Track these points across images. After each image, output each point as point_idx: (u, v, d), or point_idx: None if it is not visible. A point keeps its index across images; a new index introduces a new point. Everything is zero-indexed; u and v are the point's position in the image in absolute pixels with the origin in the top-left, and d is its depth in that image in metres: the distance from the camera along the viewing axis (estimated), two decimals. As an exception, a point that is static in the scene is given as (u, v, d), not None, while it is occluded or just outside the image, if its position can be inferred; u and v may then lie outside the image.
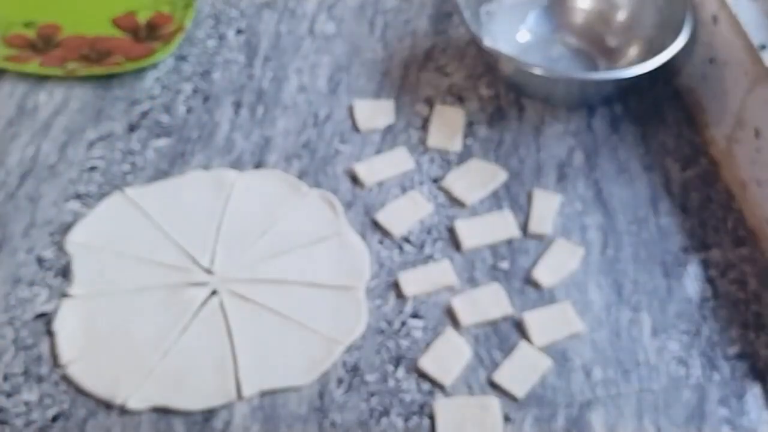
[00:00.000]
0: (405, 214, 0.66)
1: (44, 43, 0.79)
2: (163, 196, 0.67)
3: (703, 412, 0.56)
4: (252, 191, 0.67)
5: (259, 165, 0.70)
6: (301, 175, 0.69)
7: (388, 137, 0.72)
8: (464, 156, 0.70)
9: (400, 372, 0.57)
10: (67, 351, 0.58)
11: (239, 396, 0.56)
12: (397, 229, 0.65)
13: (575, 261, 0.63)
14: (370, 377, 0.57)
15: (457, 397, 0.56)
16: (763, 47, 0.62)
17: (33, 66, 0.76)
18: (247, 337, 0.59)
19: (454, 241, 0.64)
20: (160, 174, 0.69)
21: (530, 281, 0.62)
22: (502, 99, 0.75)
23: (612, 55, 0.76)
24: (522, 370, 0.57)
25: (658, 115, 0.74)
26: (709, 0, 0.69)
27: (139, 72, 0.76)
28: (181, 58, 0.78)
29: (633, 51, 0.75)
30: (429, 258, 0.63)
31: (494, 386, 0.56)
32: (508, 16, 0.78)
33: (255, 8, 0.84)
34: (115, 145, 0.71)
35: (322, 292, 0.61)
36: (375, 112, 0.73)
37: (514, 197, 0.67)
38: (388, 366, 0.58)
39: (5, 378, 0.57)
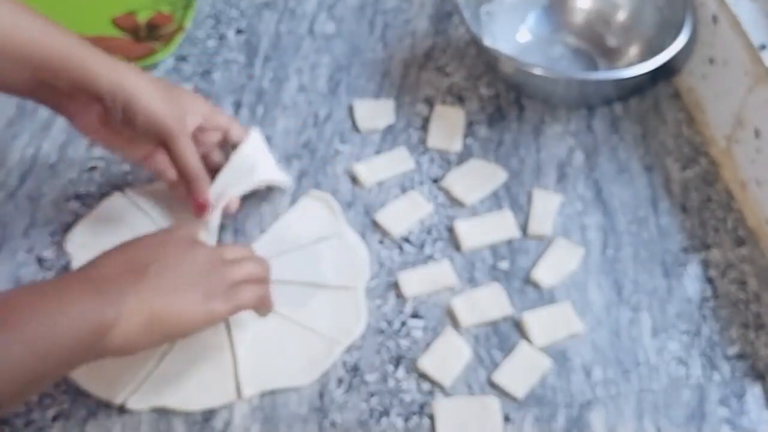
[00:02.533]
0: (405, 214, 0.66)
1: (44, 43, 0.79)
2: (163, 197, 0.67)
3: (703, 412, 0.56)
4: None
5: (259, 165, 0.70)
6: (301, 175, 0.69)
7: (388, 137, 0.72)
8: (464, 156, 0.70)
9: (400, 372, 0.57)
10: (67, 351, 0.58)
11: (239, 396, 0.56)
12: (397, 229, 0.65)
13: (575, 261, 0.63)
14: (370, 377, 0.57)
15: (457, 397, 0.56)
16: (763, 47, 0.62)
17: (33, 66, 0.76)
18: (247, 338, 0.59)
19: (454, 241, 0.64)
20: (160, 174, 0.69)
21: (530, 281, 0.62)
22: (502, 99, 0.75)
23: (612, 55, 0.76)
24: (522, 370, 0.57)
25: (658, 115, 0.74)
26: (709, 0, 0.69)
27: (139, 72, 0.76)
28: (181, 58, 0.78)
29: (633, 51, 0.75)
30: (429, 258, 0.63)
31: (494, 386, 0.56)
32: (508, 16, 0.78)
33: (255, 8, 0.84)
34: (115, 145, 0.71)
35: (322, 292, 0.61)
36: (375, 112, 0.73)
37: (514, 197, 0.67)
38: (388, 366, 0.58)
39: (5, 378, 0.57)
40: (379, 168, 0.69)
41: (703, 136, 0.72)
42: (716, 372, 0.57)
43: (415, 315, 0.60)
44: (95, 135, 0.59)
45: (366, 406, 0.56)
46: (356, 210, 0.66)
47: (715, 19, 0.68)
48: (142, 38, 0.79)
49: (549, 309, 0.60)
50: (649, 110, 0.74)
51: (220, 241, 0.64)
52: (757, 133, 0.64)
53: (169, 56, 0.78)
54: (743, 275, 0.62)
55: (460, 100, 0.75)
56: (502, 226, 0.65)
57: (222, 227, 0.65)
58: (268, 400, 0.56)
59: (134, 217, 0.65)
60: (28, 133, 0.72)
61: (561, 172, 0.69)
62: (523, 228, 0.65)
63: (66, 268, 0.63)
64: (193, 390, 0.56)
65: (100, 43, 0.79)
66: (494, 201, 0.67)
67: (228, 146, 0.64)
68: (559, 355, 0.58)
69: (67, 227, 0.65)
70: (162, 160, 0.60)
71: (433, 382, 0.57)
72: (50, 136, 0.71)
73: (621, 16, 0.77)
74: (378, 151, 0.71)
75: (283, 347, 0.58)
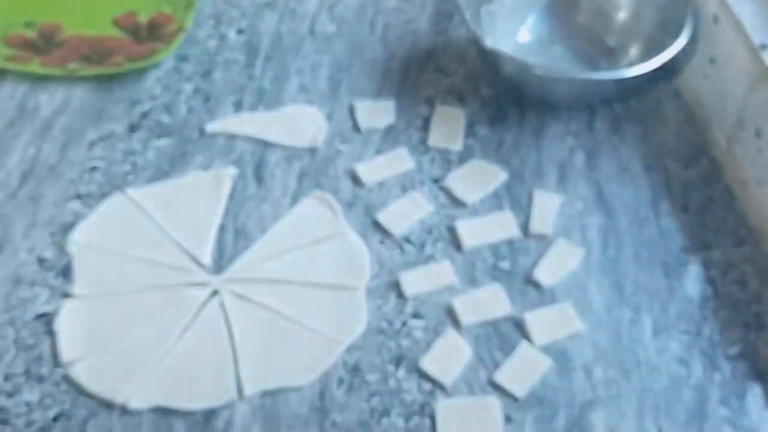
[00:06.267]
0: (406, 214, 0.66)
1: (45, 43, 0.79)
2: (164, 197, 0.67)
3: (704, 412, 0.56)
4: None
5: (259, 165, 0.70)
6: (302, 176, 0.69)
7: (389, 137, 0.72)
8: (465, 156, 0.70)
9: (401, 372, 0.57)
10: (68, 351, 0.58)
11: (240, 396, 0.56)
12: (398, 229, 0.65)
13: (576, 261, 0.63)
14: (371, 377, 0.57)
15: (458, 397, 0.56)
16: (763, 47, 0.62)
17: (34, 66, 0.76)
18: (247, 337, 0.59)
19: (454, 241, 0.64)
20: (161, 174, 0.69)
21: (531, 281, 0.62)
22: (503, 99, 0.75)
23: (613, 55, 0.76)
24: (523, 370, 0.57)
25: (659, 115, 0.74)
26: (710, 0, 0.69)
27: (140, 72, 0.77)
28: (182, 58, 0.78)
29: (634, 51, 0.75)
30: (430, 258, 0.63)
31: (495, 386, 0.57)
32: (508, 17, 0.78)
33: (256, 8, 0.84)
34: (116, 145, 0.71)
35: (323, 292, 0.61)
36: (376, 112, 0.73)
37: (514, 197, 0.67)
38: (388, 366, 0.58)
39: (6, 378, 0.57)
40: (379, 168, 0.69)
41: (703, 136, 0.72)
42: (717, 372, 0.57)
43: (415, 315, 0.60)
44: None
45: (366, 406, 0.56)
46: (357, 210, 0.66)
47: (715, 19, 0.68)
48: (143, 38, 0.80)
49: (550, 309, 0.60)
50: (649, 110, 0.74)
51: (222, 243, 0.64)
52: (758, 133, 0.64)
53: (170, 56, 0.78)
54: (744, 275, 0.62)
55: (460, 100, 0.75)
56: (502, 226, 0.65)
57: (222, 227, 0.65)
58: (269, 399, 0.56)
59: (135, 218, 0.66)
60: (28, 133, 0.72)
61: (562, 172, 0.69)
62: (524, 228, 0.65)
63: (67, 268, 0.63)
64: (194, 390, 0.56)
65: (100, 43, 0.80)
66: (495, 201, 0.67)
67: None
68: (559, 354, 0.58)
69: (68, 227, 0.65)
70: None
71: (434, 382, 0.57)
72: (51, 137, 0.72)
73: (622, 16, 0.77)
74: (379, 152, 0.71)
75: (283, 347, 0.58)
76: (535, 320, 0.59)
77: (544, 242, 0.64)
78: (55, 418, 0.55)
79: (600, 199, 0.67)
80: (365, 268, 0.62)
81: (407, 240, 0.65)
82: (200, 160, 0.70)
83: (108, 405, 0.56)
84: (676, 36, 0.69)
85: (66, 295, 0.61)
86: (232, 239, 0.65)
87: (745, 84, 0.64)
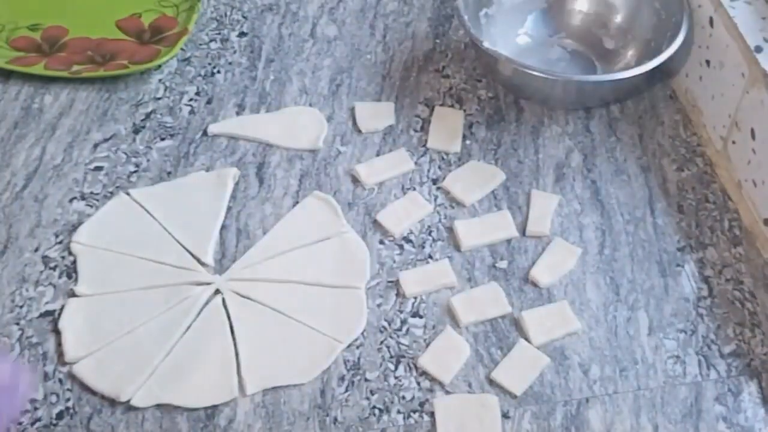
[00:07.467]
0: (405, 214, 0.66)
1: (49, 45, 0.80)
2: (167, 197, 0.68)
3: (700, 409, 0.56)
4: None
5: (261, 166, 0.70)
6: (303, 176, 0.70)
7: (389, 138, 0.72)
8: (463, 157, 0.71)
9: (401, 370, 0.58)
10: (72, 349, 0.58)
11: (242, 393, 0.57)
12: (398, 229, 0.66)
13: (573, 260, 0.64)
14: (371, 375, 0.58)
15: (457, 394, 0.57)
16: (758, 49, 0.63)
17: (38, 68, 0.77)
18: (249, 336, 0.59)
19: (453, 240, 0.65)
20: (164, 175, 0.70)
21: (529, 280, 0.63)
22: (501, 101, 0.75)
23: (609, 58, 0.77)
24: (520, 367, 0.58)
25: (655, 116, 0.74)
26: (706, 2, 0.69)
27: (144, 74, 0.77)
28: (185, 60, 0.79)
29: (630, 53, 0.76)
30: (429, 257, 0.64)
31: (493, 384, 0.57)
32: (506, 19, 0.78)
33: (257, 11, 0.85)
34: (120, 146, 0.72)
35: (324, 292, 0.62)
36: (376, 114, 0.74)
37: (512, 198, 0.68)
38: (388, 364, 0.58)
39: (12, 375, 0.58)
40: (379, 169, 0.70)
41: (699, 137, 0.72)
42: (712, 370, 0.58)
43: (415, 314, 0.61)
44: None
45: (367, 403, 0.57)
46: (357, 210, 0.67)
47: (711, 21, 0.69)
48: (147, 41, 0.80)
49: (547, 308, 0.61)
50: (646, 112, 0.75)
51: (224, 243, 0.65)
52: (752, 134, 0.64)
53: (173, 58, 0.78)
54: (739, 274, 0.63)
55: (459, 101, 0.75)
56: (500, 226, 0.66)
57: (224, 227, 0.66)
58: (271, 397, 0.57)
59: (138, 218, 0.66)
60: (33, 134, 0.73)
61: (559, 172, 0.70)
62: (522, 228, 0.66)
63: (71, 267, 0.63)
64: (197, 387, 0.57)
65: (105, 45, 0.81)
66: (493, 201, 0.68)
67: None
68: (557, 353, 0.59)
69: (73, 227, 0.66)
70: None
71: (433, 380, 0.57)
72: (55, 137, 0.72)
73: (618, 18, 0.78)
74: (378, 152, 0.71)
75: (285, 345, 0.59)
76: (533, 319, 0.60)
77: (542, 242, 0.65)
78: (60, 415, 0.56)
79: (597, 199, 0.68)
80: (365, 268, 0.63)
81: (407, 240, 0.65)
82: (203, 161, 0.71)
83: (112, 402, 0.56)
84: (672, 38, 0.70)
85: (70, 294, 0.62)
86: (234, 239, 0.65)
87: (740, 86, 0.65)
